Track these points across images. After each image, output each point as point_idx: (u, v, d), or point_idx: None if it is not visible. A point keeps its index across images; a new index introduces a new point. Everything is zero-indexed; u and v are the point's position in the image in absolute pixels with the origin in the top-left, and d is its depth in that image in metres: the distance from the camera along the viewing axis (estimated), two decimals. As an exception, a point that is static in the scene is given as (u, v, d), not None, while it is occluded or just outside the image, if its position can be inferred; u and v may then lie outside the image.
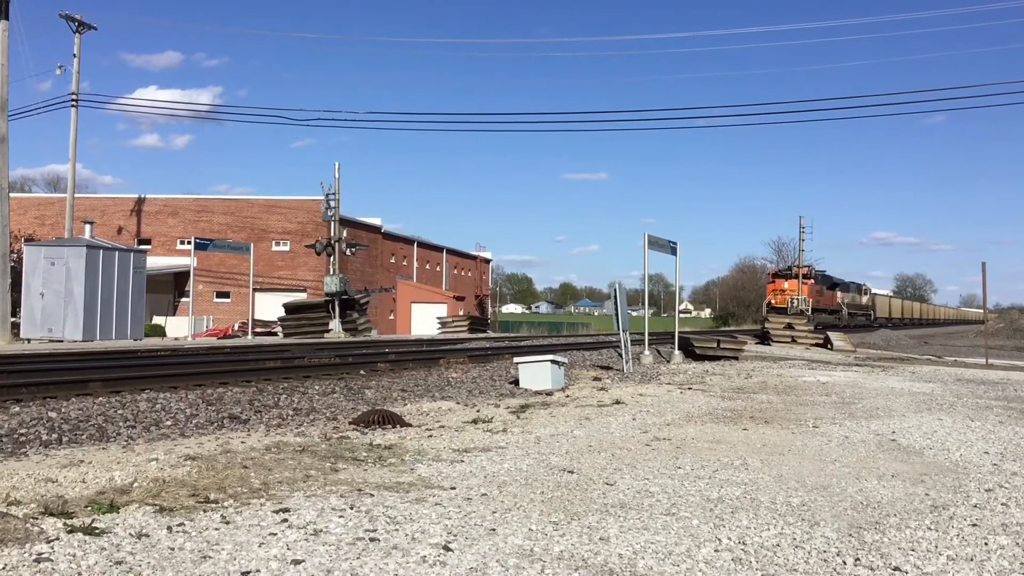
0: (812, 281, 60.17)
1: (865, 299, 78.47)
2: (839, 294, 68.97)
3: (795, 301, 56.82)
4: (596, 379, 17.84)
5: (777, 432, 10.60)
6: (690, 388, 16.40)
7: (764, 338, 36.57)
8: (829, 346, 34.99)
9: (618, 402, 13.40)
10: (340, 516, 5.78)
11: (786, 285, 59.22)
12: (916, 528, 5.95)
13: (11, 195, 36.30)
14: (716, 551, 5.27)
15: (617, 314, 20.91)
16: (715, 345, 26.44)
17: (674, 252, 24.91)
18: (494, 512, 6.06)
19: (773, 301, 58.71)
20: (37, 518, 5.40)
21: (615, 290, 21.50)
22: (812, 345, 35.10)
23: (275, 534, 5.31)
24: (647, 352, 23.54)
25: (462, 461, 8.03)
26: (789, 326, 36.97)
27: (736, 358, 25.85)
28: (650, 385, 17.01)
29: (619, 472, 7.70)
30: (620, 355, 21.51)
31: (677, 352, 24.94)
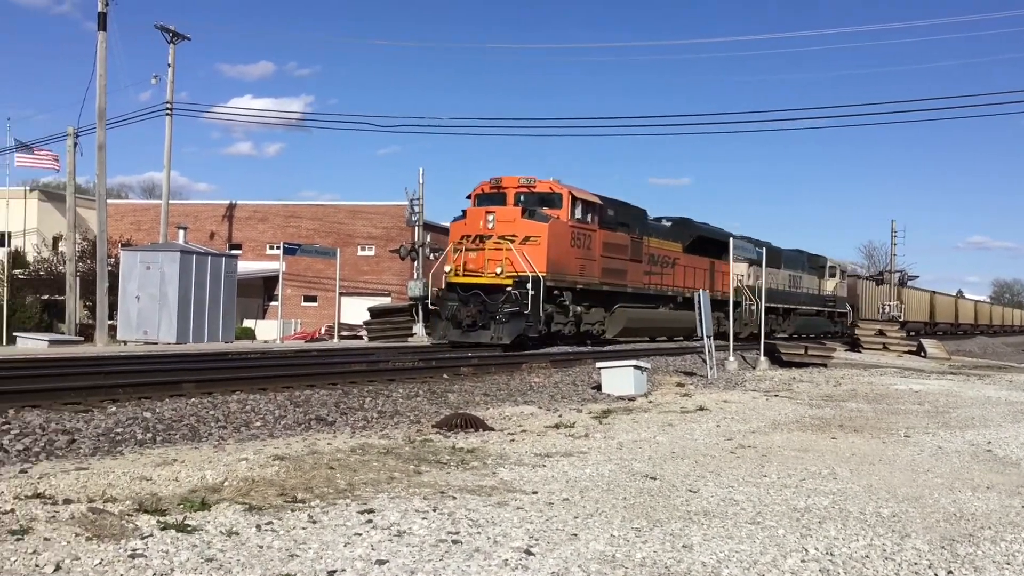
0: (593, 224, 25.92)
1: (830, 285, 48.36)
2: (742, 269, 36.28)
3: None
4: (679, 385, 17.66)
5: (867, 441, 10.35)
6: (776, 395, 16.12)
7: (854, 345, 35.74)
8: (923, 354, 34.05)
9: (702, 408, 13.24)
10: (423, 518, 5.84)
11: (490, 222, 23.80)
12: (1012, 541, 5.75)
13: (108, 201, 37.64)
14: (803, 561, 5.17)
15: (701, 319, 20.67)
16: (803, 351, 25.94)
17: (760, 257, 24.52)
18: (576, 517, 6.05)
19: (456, 268, 23.92)
20: (132, 515, 5.58)
21: (698, 295, 21.27)
22: (904, 352, 34.19)
23: (360, 534, 5.40)
24: (732, 358, 23.22)
25: (544, 466, 8.03)
26: (880, 332, 36.08)
27: (824, 365, 25.32)
28: (735, 392, 16.78)
29: (703, 479, 7.62)
30: (704, 361, 21.27)
31: (763, 358, 24.54)
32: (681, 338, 33.61)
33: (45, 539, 4.92)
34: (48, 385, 11.59)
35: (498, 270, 23.10)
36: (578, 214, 25.38)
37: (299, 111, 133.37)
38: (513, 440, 9.57)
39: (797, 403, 14.68)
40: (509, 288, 22.56)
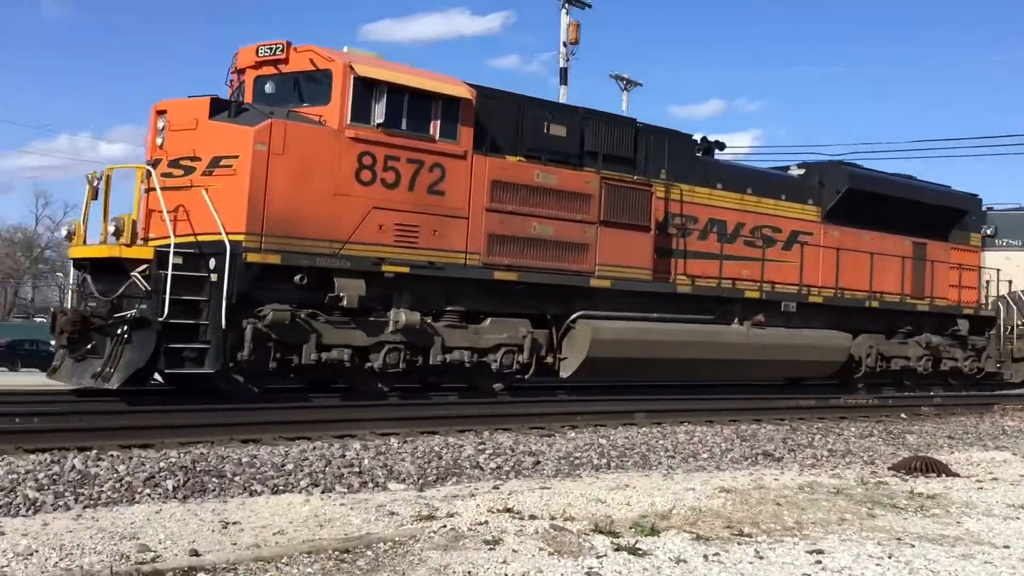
0: (453, 144, 12.45)
1: None
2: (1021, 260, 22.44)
3: None
4: None
5: None
6: None
7: None
8: None
9: None
10: (877, 564, 5.56)
11: (160, 132, 11.74)
12: None
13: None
14: None
15: None
16: None
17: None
18: (1058, 579, 5.38)
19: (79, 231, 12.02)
20: (588, 534, 5.96)
21: None
22: None
23: (808, 575, 5.27)
24: None
25: (1018, 518, 7.24)
26: None
27: None
28: None
29: None
30: None
31: None
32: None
33: (513, 551, 5.44)
34: (515, 411, 12.72)
35: (111, 229, 11.38)
36: (380, 116, 11.96)
37: (747, 145, 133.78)
38: (981, 488, 8.73)
39: None
40: (145, 268, 10.94)
